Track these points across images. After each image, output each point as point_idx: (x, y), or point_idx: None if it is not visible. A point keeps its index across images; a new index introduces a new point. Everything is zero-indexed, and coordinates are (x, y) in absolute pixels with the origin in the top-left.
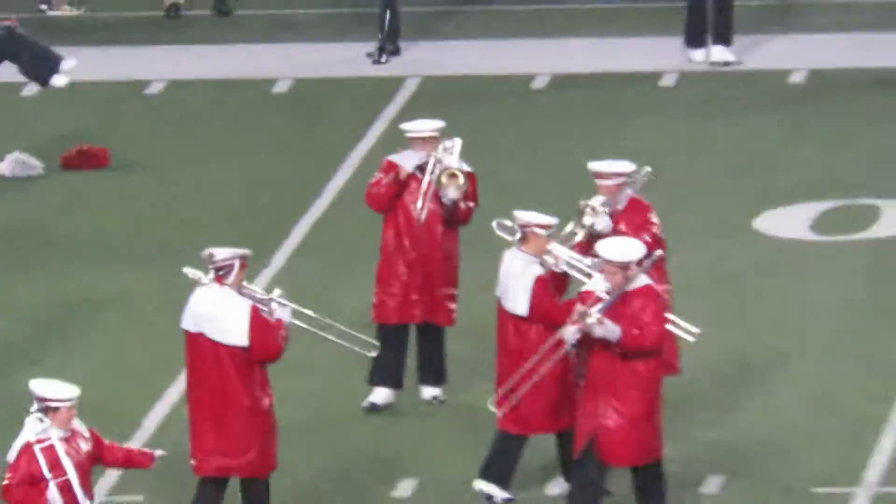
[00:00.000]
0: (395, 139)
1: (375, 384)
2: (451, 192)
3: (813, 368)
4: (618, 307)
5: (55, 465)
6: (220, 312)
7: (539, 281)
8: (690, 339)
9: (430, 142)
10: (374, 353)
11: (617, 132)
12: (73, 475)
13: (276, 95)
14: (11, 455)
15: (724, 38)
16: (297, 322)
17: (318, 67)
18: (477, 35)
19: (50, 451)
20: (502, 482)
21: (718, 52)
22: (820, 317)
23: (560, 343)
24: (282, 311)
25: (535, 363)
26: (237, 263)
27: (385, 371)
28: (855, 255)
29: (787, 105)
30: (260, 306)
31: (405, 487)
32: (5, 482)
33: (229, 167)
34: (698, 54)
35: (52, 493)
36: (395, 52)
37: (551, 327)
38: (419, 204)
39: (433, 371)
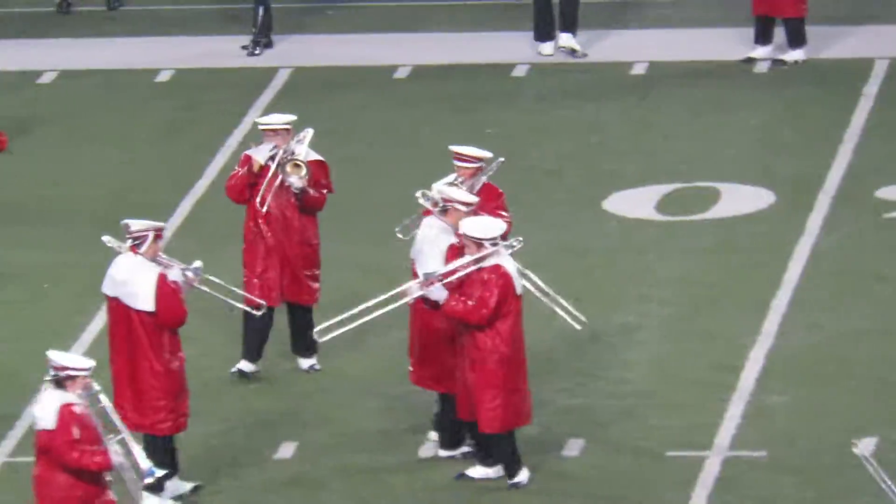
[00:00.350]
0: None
1: (242, 357)
2: (295, 182)
3: (660, 339)
4: (467, 279)
5: (106, 426)
6: (131, 279)
7: (452, 248)
8: (578, 326)
9: (283, 134)
10: (259, 312)
11: (472, 119)
12: (126, 433)
13: (159, 84)
14: (48, 421)
15: (570, 28)
16: (203, 287)
17: (198, 59)
18: (343, 29)
19: (102, 412)
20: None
21: (566, 39)
22: (665, 291)
23: (402, 293)
24: (174, 274)
25: (374, 305)
26: (151, 235)
27: (247, 347)
28: (697, 234)
29: (630, 95)
30: (168, 273)
31: (286, 449)
32: (70, 450)
33: (117, 151)
34: (547, 47)
35: (117, 454)
36: (269, 44)
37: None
38: (260, 194)
39: (304, 344)
